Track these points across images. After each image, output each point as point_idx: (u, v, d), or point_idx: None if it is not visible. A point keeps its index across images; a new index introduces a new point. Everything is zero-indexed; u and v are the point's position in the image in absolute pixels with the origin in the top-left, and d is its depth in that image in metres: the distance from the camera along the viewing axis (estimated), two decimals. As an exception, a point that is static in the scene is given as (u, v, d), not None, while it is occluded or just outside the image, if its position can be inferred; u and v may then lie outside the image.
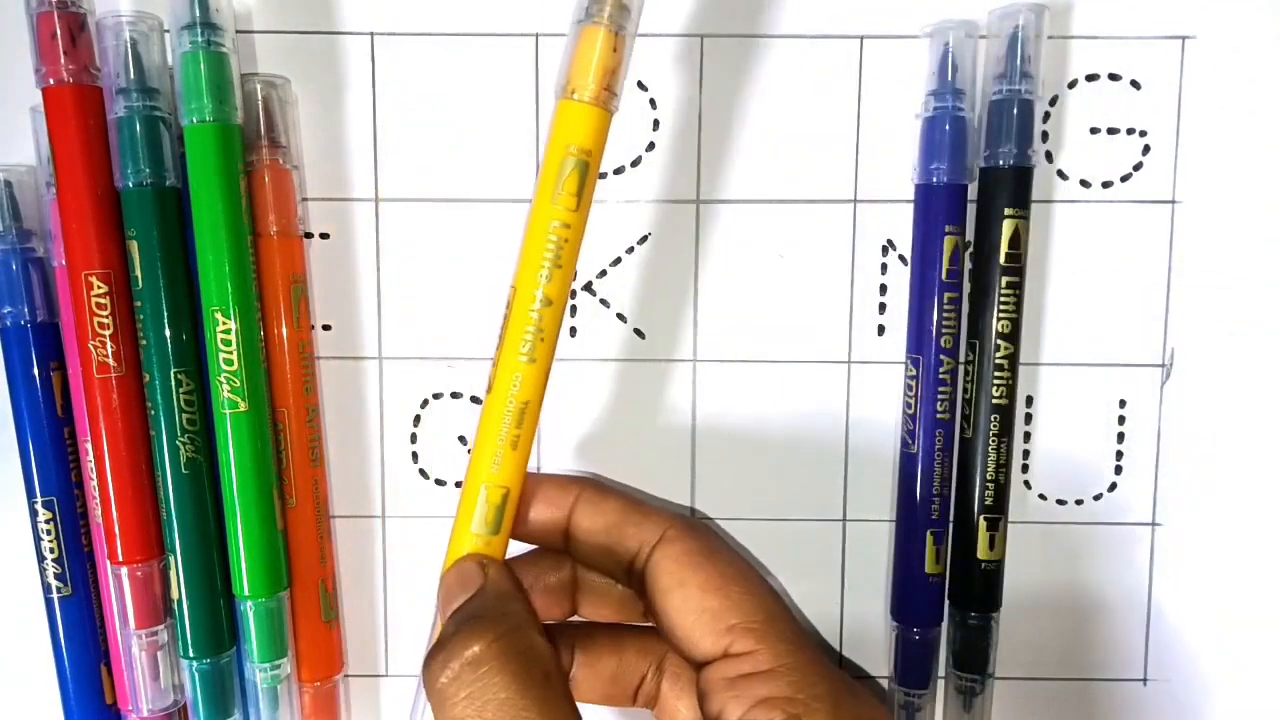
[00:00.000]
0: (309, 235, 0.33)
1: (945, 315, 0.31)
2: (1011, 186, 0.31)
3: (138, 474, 0.31)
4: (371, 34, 0.33)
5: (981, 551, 0.32)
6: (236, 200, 0.30)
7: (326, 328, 0.34)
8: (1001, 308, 0.31)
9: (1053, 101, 0.33)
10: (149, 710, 0.32)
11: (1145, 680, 0.34)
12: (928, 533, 0.32)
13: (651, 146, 0.33)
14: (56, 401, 0.32)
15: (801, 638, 0.27)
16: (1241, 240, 0.33)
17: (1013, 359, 0.32)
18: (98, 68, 0.30)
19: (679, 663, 0.29)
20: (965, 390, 0.32)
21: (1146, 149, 0.33)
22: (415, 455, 0.34)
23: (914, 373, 0.32)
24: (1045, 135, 0.33)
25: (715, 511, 0.34)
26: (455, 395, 0.34)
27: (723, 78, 0.33)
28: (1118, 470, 0.34)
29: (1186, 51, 0.32)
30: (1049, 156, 0.33)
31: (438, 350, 0.34)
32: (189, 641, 0.31)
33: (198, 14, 0.29)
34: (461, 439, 0.34)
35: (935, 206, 0.31)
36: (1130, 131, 0.33)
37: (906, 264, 0.33)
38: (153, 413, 0.30)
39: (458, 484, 0.34)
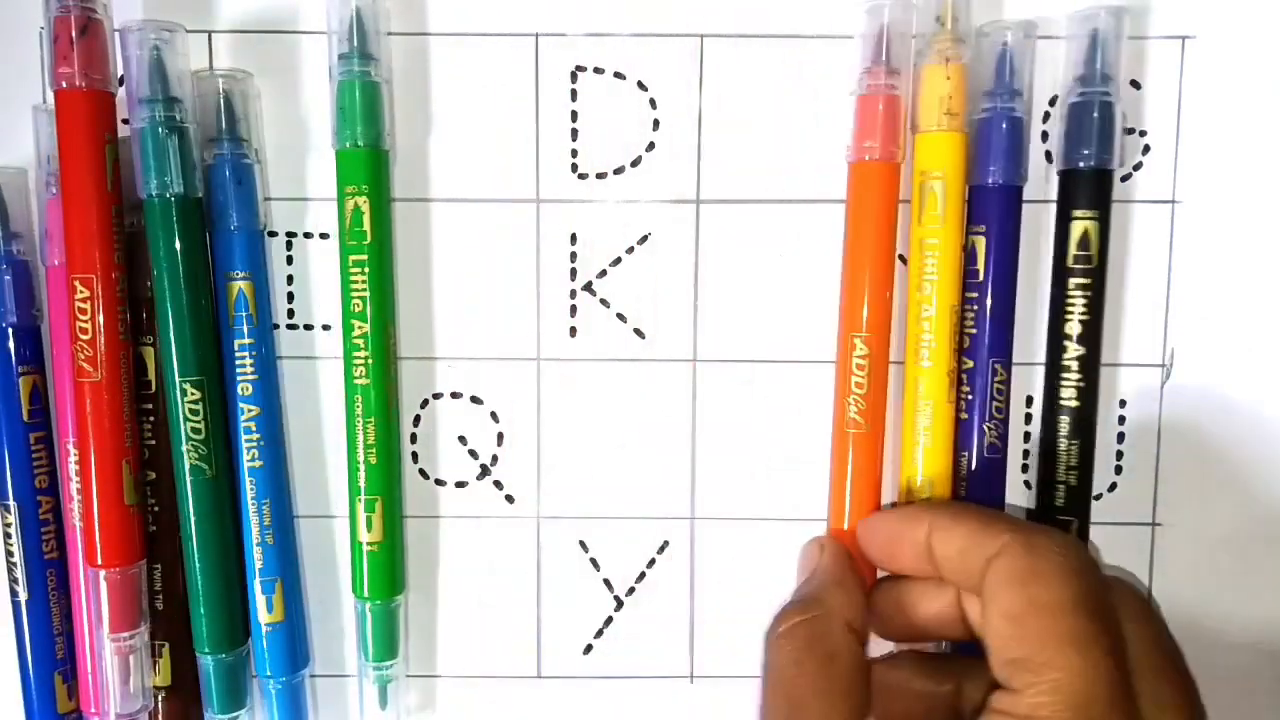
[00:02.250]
0: (308, 235, 0.33)
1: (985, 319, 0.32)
2: (1092, 189, 0.31)
3: (118, 479, 0.31)
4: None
5: None
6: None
7: (326, 328, 0.34)
8: (1068, 310, 0.31)
9: (1052, 101, 0.33)
10: (116, 715, 0.32)
11: (1145, 680, 0.34)
12: None
13: (651, 146, 0.33)
14: (23, 406, 0.32)
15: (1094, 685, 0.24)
16: (1241, 240, 0.33)
17: (1083, 360, 0.31)
18: (108, 73, 0.30)
19: None
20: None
21: (1146, 149, 0.33)
22: (415, 455, 0.34)
23: (1004, 376, 0.32)
24: (1045, 135, 0.33)
25: (715, 512, 0.34)
26: (455, 395, 0.34)
27: (723, 78, 0.33)
28: (1118, 470, 0.34)
29: (1186, 51, 0.32)
30: (1048, 156, 0.33)
31: (438, 350, 0.34)
32: (204, 636, 0.32)
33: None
34: (461, 439, 0.34)
35: (992, 207, 0.31)
36: (1130, 131, 0.33)
37: (905, 263, 0.33)
38: (173, 416, 0.31)
39: (458, 484, 0.34)
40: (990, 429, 0.32)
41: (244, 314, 0.32)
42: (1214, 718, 0.34)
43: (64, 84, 0.29)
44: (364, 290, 0.31)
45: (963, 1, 0.31)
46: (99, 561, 0.31)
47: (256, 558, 0.32)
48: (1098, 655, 0.24)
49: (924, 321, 0.31)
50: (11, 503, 0.32)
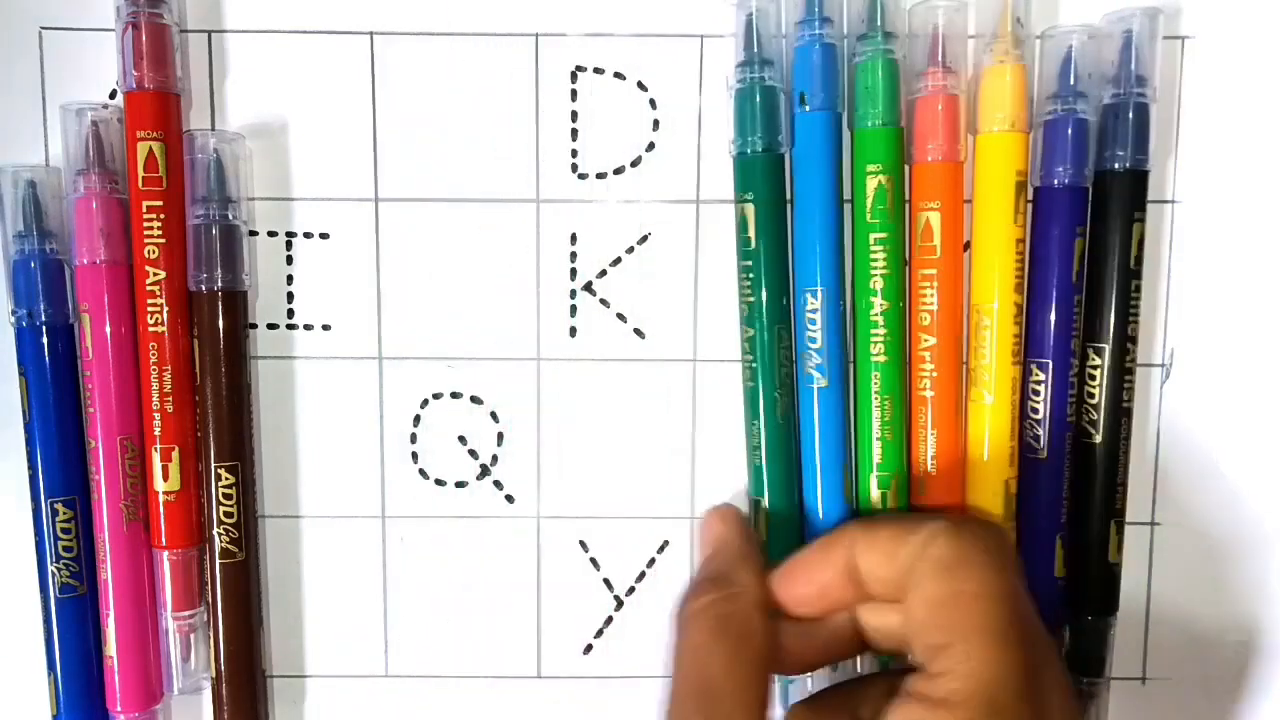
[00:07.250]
0: (308, 235, 0.33)
1: (1074, 318, 0.31)
2: (1131, 189, 0.31)
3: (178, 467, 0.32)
4: (371, 34, 0.33)
5: (1112, 554, 0.32)
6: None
7: (326, 328, 0.34)
8: (1132, 311, 0.31)
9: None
10: (178, 689, 0.33)
11: (1144, 679, 0.35)
12: (1057, 537, 0.32)
13: (651, 146, 0.33)
14: (79, 401, 0.32)
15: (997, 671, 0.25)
16: (1241, 240, 0.33)
17: (1133, 361, 0.32)
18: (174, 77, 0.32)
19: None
20: (1092, 394, 0.32)
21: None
22: (415, 455, 0.34)
23: (1040, 377, 0.32)
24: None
25: (715, 511, 0.34)
26: (455, 395, 0.34)
27: (722, 78, 0.33)
28: (1118, 470, 0.34)
29: (1186, 51, 0.32)
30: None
31: (438, 350, 0.34)
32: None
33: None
34: (461, 439, 0.34)
35: (1060, 209, 0.31)
36: (1131, 131, 0.33)
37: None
38: (754, 365, 0.32)
39: (458, 484, 0.34)
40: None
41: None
42: (1214, 717, 0.35)
43: (132, 85, 0.31)
44: (884, 269, 0.31)
45: (1023, 3, 0.31)
46: (163, 544, 0.32)
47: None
48: (1012, 645, 0.25)
49: (1013, 319, 0.31)
50: (72, 497, 0.32)
